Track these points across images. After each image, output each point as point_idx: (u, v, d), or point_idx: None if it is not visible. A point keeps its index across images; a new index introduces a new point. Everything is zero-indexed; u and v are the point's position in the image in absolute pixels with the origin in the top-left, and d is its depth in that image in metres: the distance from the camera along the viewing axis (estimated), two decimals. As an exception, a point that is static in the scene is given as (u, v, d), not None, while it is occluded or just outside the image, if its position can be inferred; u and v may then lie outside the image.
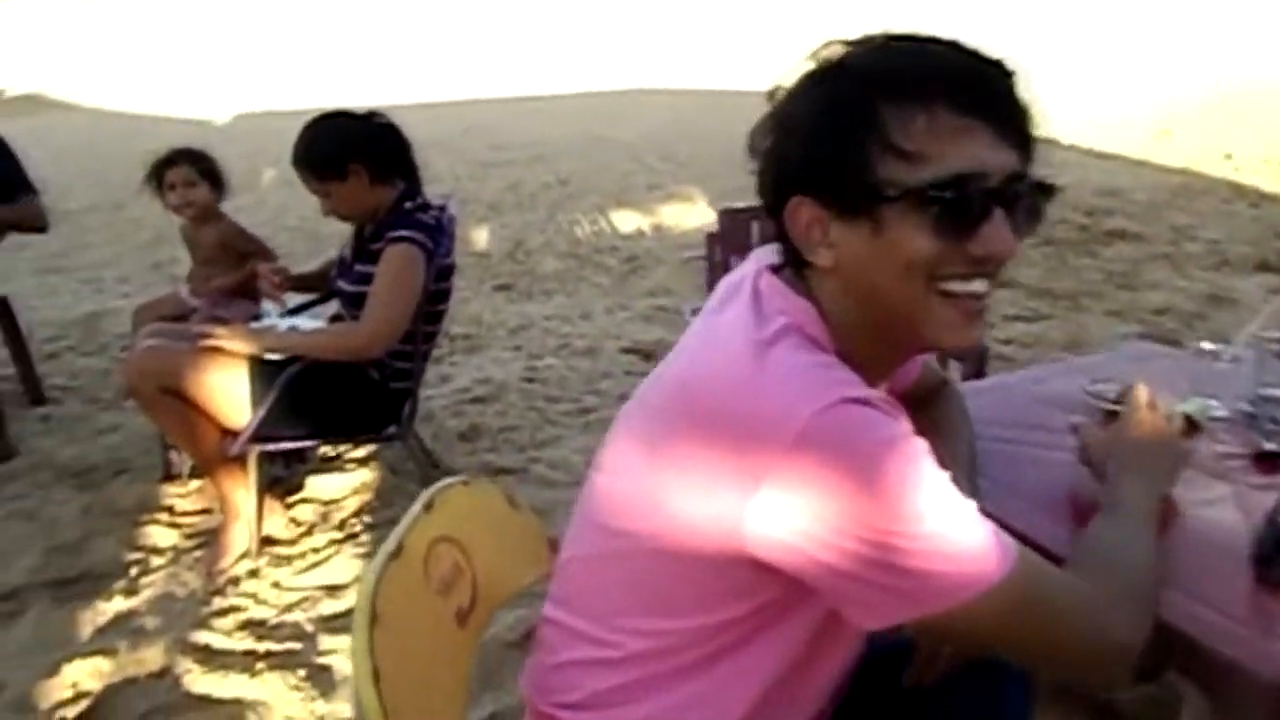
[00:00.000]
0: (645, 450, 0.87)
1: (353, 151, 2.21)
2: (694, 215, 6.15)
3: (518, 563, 1.18)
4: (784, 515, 0.77)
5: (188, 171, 2.65)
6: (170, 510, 2.61)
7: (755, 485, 0.77)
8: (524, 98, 10.98)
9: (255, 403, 2.21)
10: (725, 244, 2.24)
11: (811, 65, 0.87)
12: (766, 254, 0.99)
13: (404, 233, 2.22)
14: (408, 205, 2.29)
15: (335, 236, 5.63)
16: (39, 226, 3.09)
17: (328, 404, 2.29)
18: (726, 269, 2.30)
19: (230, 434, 2.27)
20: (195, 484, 2.70)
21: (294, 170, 2.24)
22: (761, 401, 0.79)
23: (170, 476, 2.73)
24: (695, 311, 2.25)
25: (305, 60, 13.84)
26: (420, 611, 0.98)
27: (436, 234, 2.28)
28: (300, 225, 5.84)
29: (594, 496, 0.95)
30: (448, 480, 1.13)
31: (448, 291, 2.40)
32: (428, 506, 1.06)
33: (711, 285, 2.37)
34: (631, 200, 6.50)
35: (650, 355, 3.81)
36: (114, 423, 3.13)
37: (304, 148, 2.21)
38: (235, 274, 2.74)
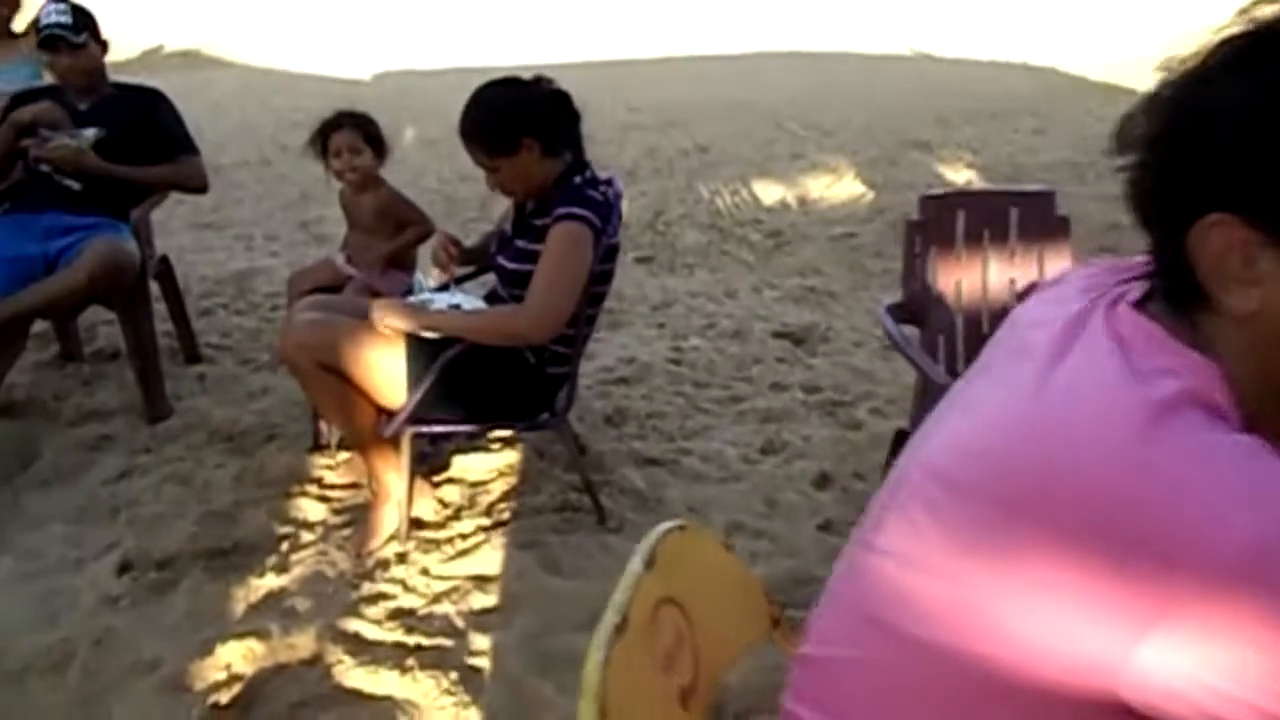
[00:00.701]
0: (962, 546, 0.67)
1: (525, 124, 2.05)
2: (841, 188, 5.83)
3: (737, 624, 1.01)
4: (1197, 663, 0.56)
5: (353, 136, 2.56)
6: (319, 483, 2.57)
7: (1154, 620, 0.57)
8: (658, 59, 10.72)
9: (411, 383, 2.11)
10: (927, 234, 1.98)
11: (1241, 31, 0.63)
12: (1103, 276, 0.76)
13: (573, 209, 2.06)
14: (577, 180, 2.13)
15: (473, 199, 5.60)
16: (199, 186, 3.09)
17: (482, 388, 2.18)
18: (925, 262, 2.06)
19: (385, 413, 2.19)
20: (343, 456, 2.65)
21: (462, 142, 2.11)
22: (1166, 506, 0.58)
23: (319, 446, 2.69)
24: (896, 310, 2.03)
25: (442, 19, 13.92)
26: (647, 696, 0.82)
27: (606, 211, 2.12)
28: (439, 188, 5.81)
29: (871, 586, 0.75)
30: (664, 527, 0.96)
31: (611, 273, 2.25)
32: (649, 563, 0.89)
33: (909, 281, 2.14)
34: (774, 170, 6.21)
35: (801, 340, 3.59)
36: (265, 385, 3.13)
37: (473, 120, 2.07)
38: (393, 243, 2.66)
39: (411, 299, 2.29)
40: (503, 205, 5.43)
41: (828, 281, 4.27)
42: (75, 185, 2.84)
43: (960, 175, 6.08)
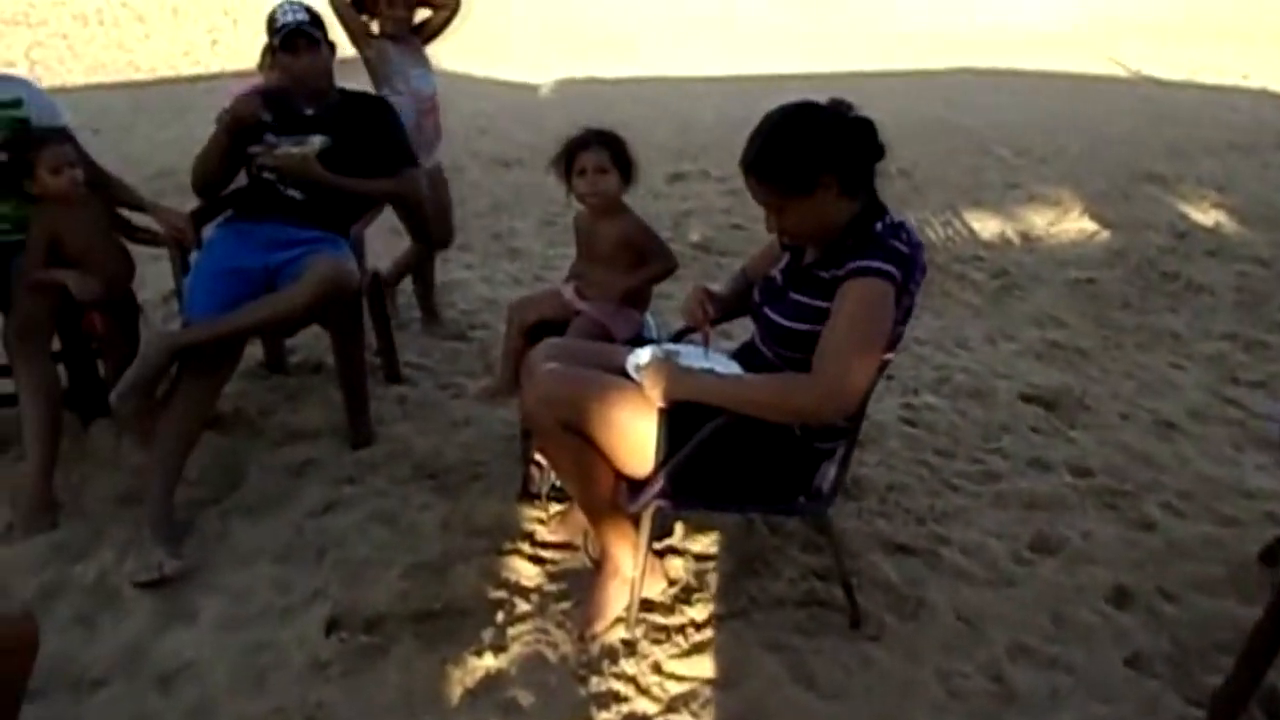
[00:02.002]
0: None
1: (826, 160, 1.72)
2: (1068, 224, 5.24)
3: None
4: None
5: (600, 156, 2.31)
6: (530, 538, 2.32)
7: None
8: (846, 73, 10.21)
9: (660, 451, 1.82)
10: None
11: None
12: None
13: (874, 263, 1.72)
14: (878, 226, 1.78)
15: (665, 217, 5.32)
16: (417, 202, 2.93)
17: (740, 462, 1.87)
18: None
19: (623, 479, 1.91)
20: (555, 508, 2.40)
21: (745, 176, 1.79)
22: None
23: (529, 494, 2.45)
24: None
25: (624, 25, 13.88)
26: None
27: (909, 265, 1.76)
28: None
29: None
30: None
31: (901, 335, 1.88)
32: None
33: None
34: (988, 200, 5.67)
35: (1054, 406, 3.12)
36: (466, 415, 2.93)
37: (765, 153, 1.75)
38: (633, 277, 2.38)
39: (655, 349, 1.99)
40: (700, 224, 5.21)
41: (1073, 336, 3.75)
42: (297, 195, 2.71)
43: (1207, 217, 5.37)
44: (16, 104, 2.53)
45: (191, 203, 2.89)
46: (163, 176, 5.65)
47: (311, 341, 3.27)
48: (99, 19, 13.37)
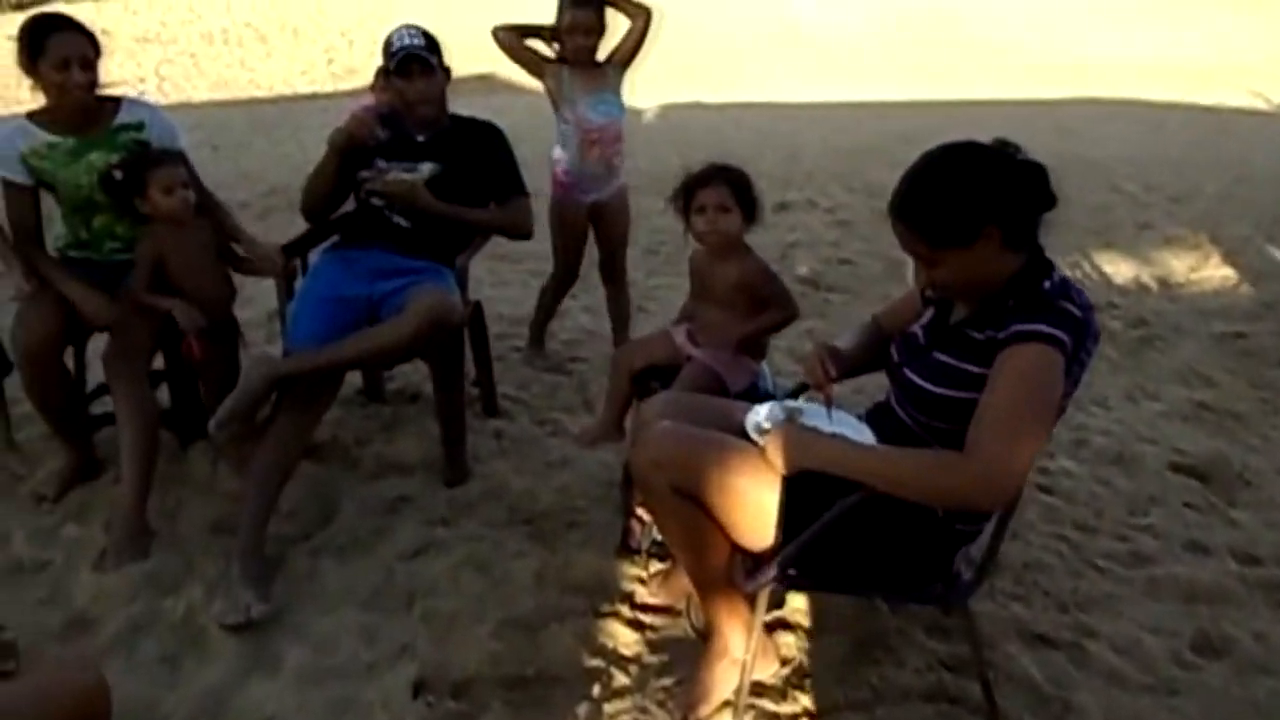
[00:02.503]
0: None
1: (990, 208, 1.53)
2: (1209, 271, 4.84)
3: None
4: None
5: (722, 194, 2.15)
6: (630, 600, 2.16)
7: None
8: (957, 101, 9.85)
9: (781, 524, 1.64)
10: None
11: None
12: None
13: (1044, 328, 1.51)
14: (1046, 285, 1.57)
15: (772, 248, 5.13)
16: (525, 233, 2.83)
17: (870, 541, 1.67)
18: None
19: (739, 551, 1.73)
20: (656, 566, 2.24)
21: (892, 222, 1.60)
22: None
23: (629, 549, 2.29)
24: None
25: (730, 50, 13.78)
26: None
27: (1081, 332, 1.55)
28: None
29: None
30: None
31: (1065, 408, 1.66)
32: None
33: None
34: (1119, 242, 5.30)
35: (1208, 478, 2.80)
36: (563, 455, 2.80)
37: (921, 199, 1.55)
38: (752, 324, 2.21)
39: (776, 408, 1.80)
40: (807, 256, 5.00)
41: (1224, 398, 3.40)
42: (404, 223, 2.64)
43: (1369, 266, 4.89)
44: (139, 126, 2.53)
45: (300, 221, 2.86)
46: (275, 193, 5.75)
47: (409, 370, 3.19)
48: (224, 38, 13.99)
